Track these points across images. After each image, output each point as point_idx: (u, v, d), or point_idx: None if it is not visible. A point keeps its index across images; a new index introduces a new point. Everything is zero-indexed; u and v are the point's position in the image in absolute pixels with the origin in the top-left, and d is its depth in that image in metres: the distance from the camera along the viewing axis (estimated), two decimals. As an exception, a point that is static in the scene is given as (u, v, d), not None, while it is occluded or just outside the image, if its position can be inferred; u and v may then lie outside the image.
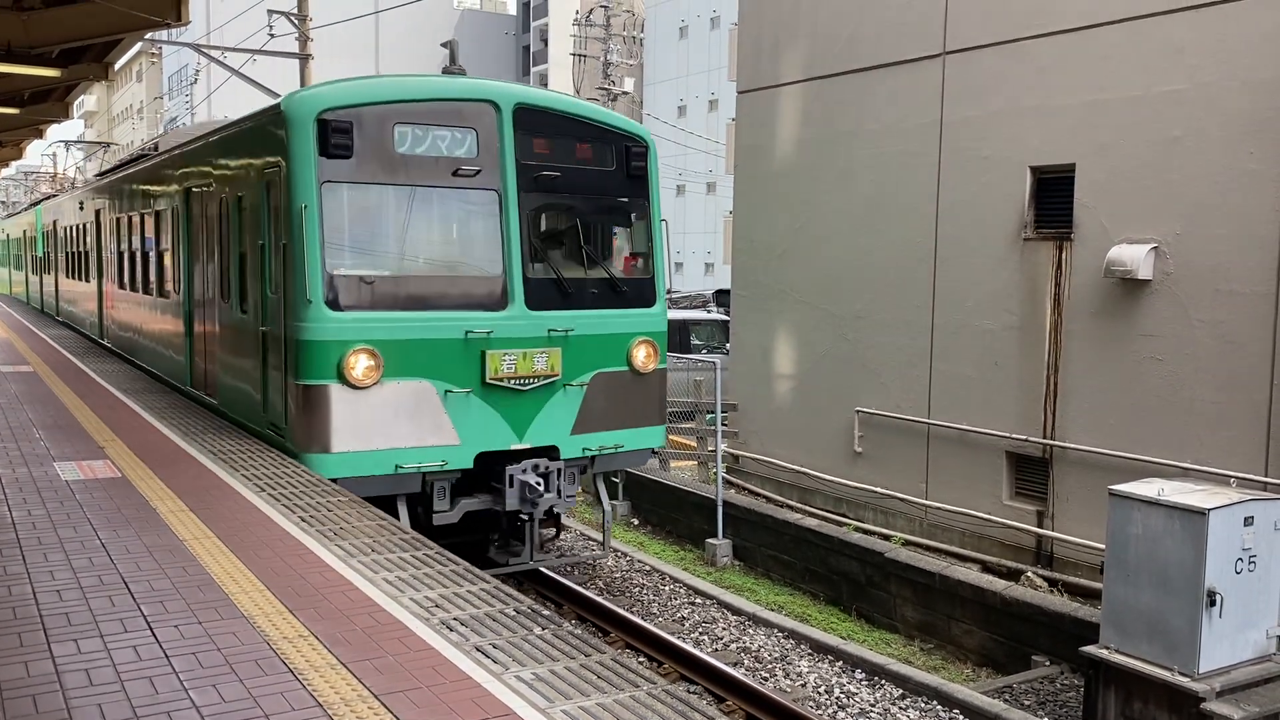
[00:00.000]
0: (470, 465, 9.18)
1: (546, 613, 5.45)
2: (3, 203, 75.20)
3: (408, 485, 9.01)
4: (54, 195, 30.92)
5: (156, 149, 15.08)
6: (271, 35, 22.57)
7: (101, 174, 20.25)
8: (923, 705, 9.11)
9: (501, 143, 9.29)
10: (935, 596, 11.20)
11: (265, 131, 9.46)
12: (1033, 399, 12.19)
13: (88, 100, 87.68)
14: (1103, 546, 9.00)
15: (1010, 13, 12.39)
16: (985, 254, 12.68)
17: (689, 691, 8.46)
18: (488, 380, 9.08)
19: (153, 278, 14.39)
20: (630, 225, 10.51)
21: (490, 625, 5.29)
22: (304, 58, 22.16)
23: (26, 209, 35.17)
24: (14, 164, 43.07)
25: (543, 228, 9.84)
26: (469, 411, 9.09)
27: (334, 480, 8.33)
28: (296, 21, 22.26)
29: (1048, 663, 10.02)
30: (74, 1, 11.84)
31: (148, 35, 14.93)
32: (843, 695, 9.29)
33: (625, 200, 10.33)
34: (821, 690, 9.36)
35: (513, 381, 9.22)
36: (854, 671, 9.86)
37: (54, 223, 25.13)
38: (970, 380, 12.94)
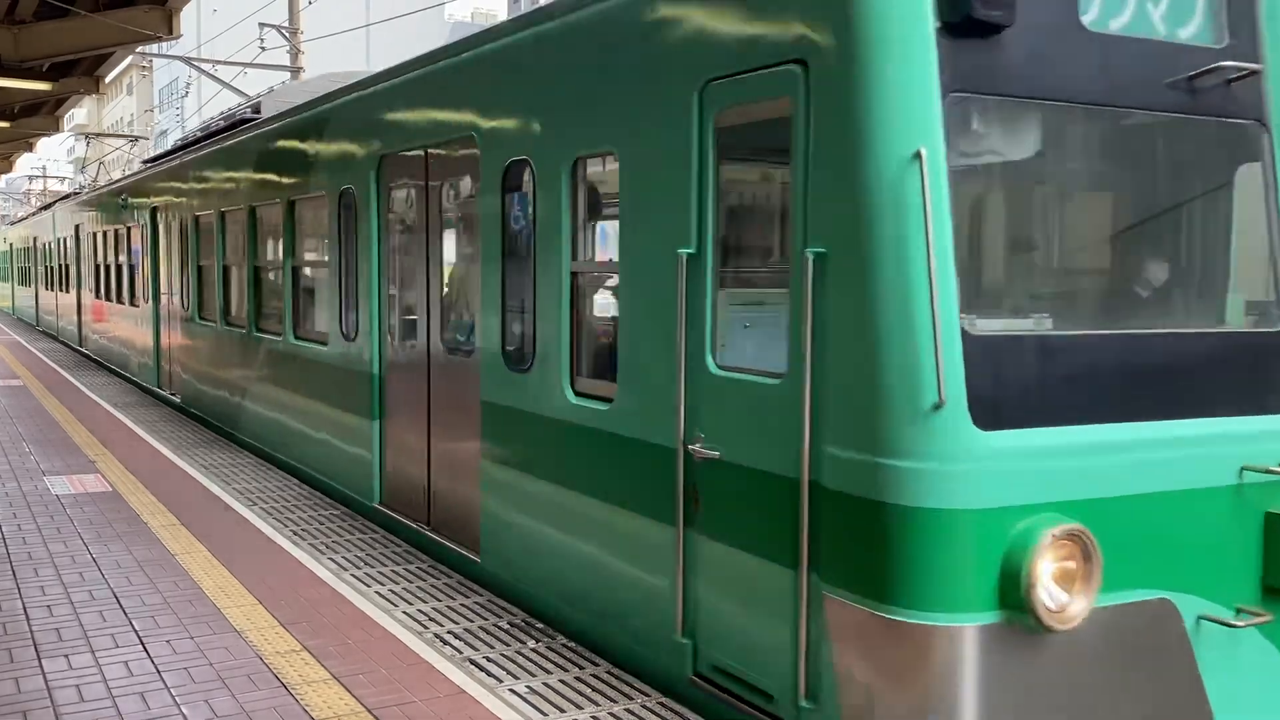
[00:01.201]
0: None
1: (540, 625, 5.43)
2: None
3: None
4: (67, 197, 27.67)
5: (258, 112, 11.00)
6: (263, 48, 22.62)
7: (156, 159, 15.42)
8: (917, 716, 9.09)
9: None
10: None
11: None
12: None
13: (78, 114, 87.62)
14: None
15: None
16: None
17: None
18: None
19: (279, 309, 9.68)
20: None
21: (484, 638, 5.27)
22: (295, 70, 22.19)
23: (36, 212, 32.27)
24: (3, 177, 43.05)
25: None
26: (1241, 662, 4.07)
27: None
28: (288, 35, 22.29)
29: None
30: (65, 16, 11.90)
31: (139, 48, 14.94)
32: (837, 707, 9.26)
33: None
34: (815, 702, 9.34)
35: None
36: (848, 683, 9.83)
37: (77, 228, 21.45)
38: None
